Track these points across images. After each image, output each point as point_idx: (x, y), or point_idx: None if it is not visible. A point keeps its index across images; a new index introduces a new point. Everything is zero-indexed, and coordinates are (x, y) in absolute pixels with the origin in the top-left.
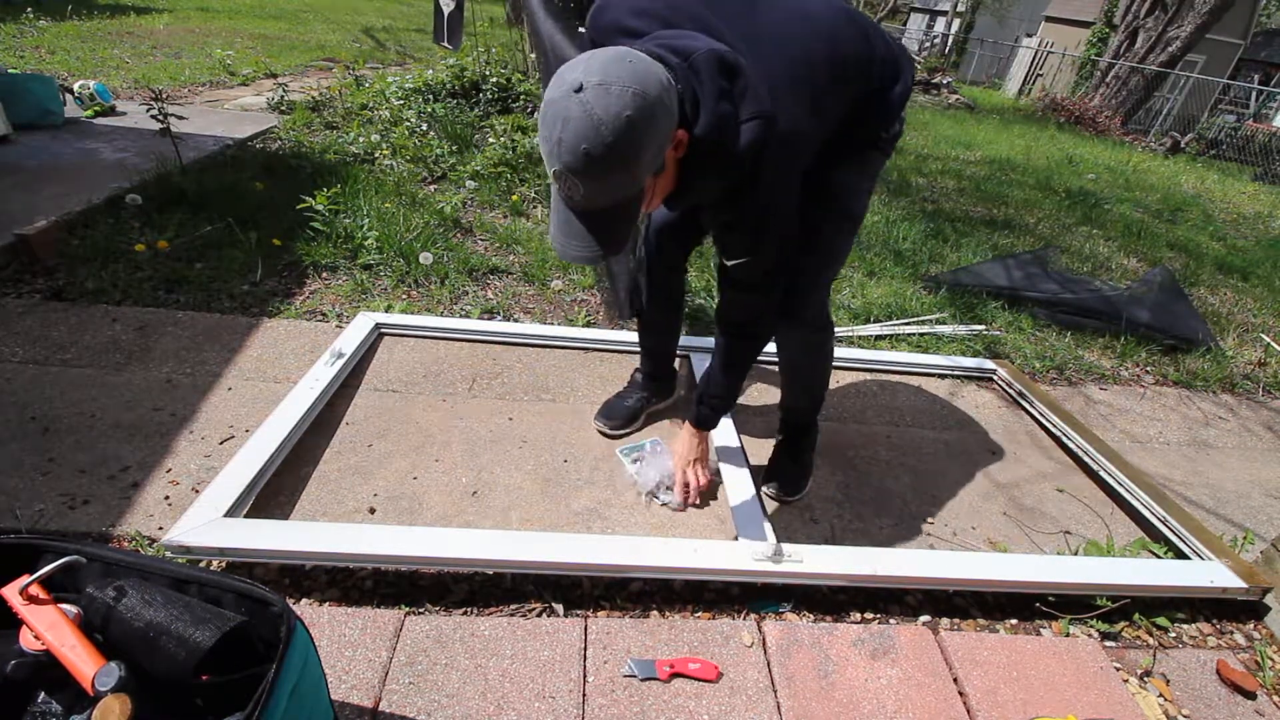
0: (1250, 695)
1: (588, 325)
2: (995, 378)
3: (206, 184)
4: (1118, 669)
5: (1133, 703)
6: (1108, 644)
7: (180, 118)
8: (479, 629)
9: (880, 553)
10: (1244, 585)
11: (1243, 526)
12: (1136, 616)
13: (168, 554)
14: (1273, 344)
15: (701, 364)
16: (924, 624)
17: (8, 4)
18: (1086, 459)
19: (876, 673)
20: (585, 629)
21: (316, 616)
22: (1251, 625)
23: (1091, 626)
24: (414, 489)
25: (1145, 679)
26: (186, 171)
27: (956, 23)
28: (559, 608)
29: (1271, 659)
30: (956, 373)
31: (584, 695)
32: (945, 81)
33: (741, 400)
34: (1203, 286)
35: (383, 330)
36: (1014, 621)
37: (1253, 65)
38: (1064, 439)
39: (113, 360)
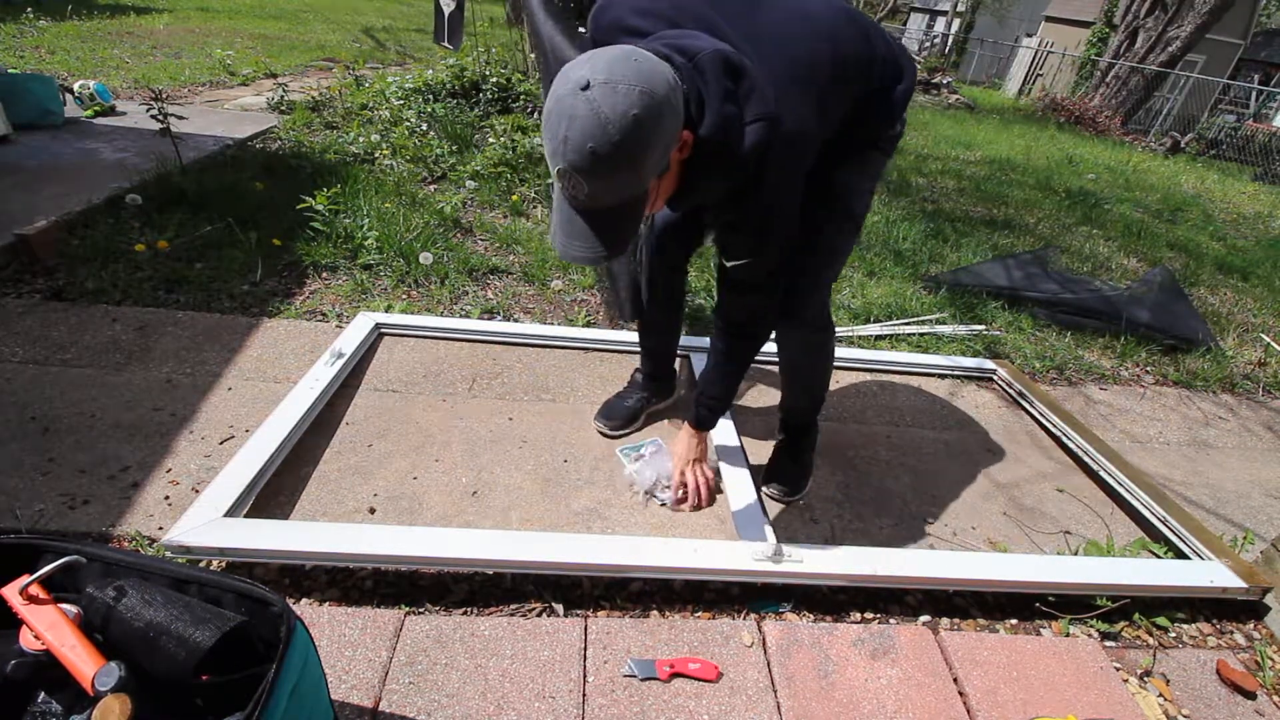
0: (1250, 695)
1: (588, 325)
2: (995, 378)
3: (206, 184)
4: (1118, 669)
5: (1133, 703)
6: (1108, 644)
7: (180, 118)
8: (479, 629)
9: (880, 553)
10: (1244, 585)
11: (1243, 526)
12: (1136, 616)
13: (168, 554)
14: (1273, 344)
15: (701, 364)
16: (924, 624)
17: (8, 4)
18: (1086, 459)
19: (876, 673)
20: (585, 629)
21: (316, 616)
22: (1251, 625)
23: (1091, 626)
24: (414, 489)
25: (1145, 679)
26: (186, 171)
27: (956, 23)
28: (559, 608)
29: (1271, 659)
30: (956, 373)
31: (584, 695)
32: (945, 81)
33: (741, 400)
34: (1203, 286)
35: (383, 330)
36: (1014, 621)
37: (1253, 65)
38: (1064, 439)
39: (113, 360)
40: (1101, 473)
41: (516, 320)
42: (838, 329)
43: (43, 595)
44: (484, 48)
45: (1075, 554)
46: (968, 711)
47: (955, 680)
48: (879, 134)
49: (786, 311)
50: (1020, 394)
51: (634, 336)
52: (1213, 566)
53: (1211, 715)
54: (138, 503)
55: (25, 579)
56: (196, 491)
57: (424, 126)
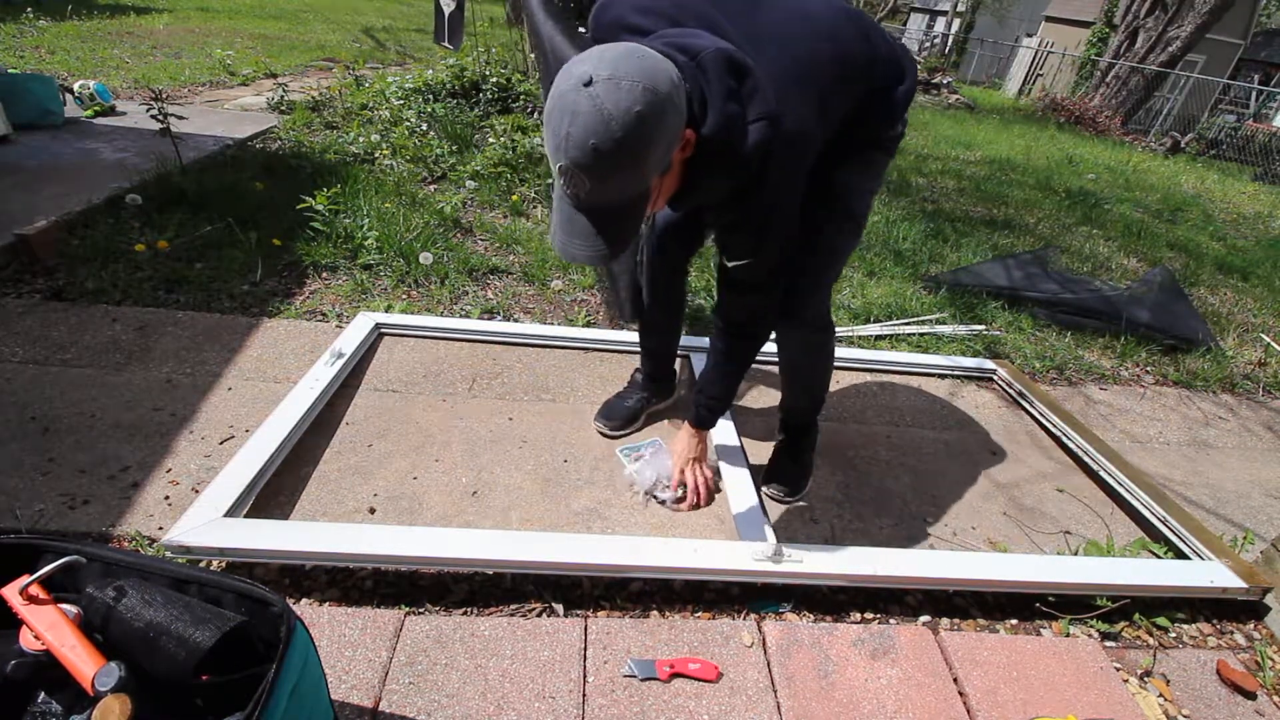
0: (1250, 695)
1: (588, 325)
2: (995, 378)
3: (206, 184)
4: (1118, 669)
5: (1133, 703)
6: (1108, 644)
7: (180, 118)
8: (479, 629)
9: (880, 553)
10: (1244, 585)
11: (1243, 526)
12: (1136, 616)
13: (168, 554)
14: (1273, 344)
15: (701, 364)
16: (924, 624)
17: (8, 4)
18: (1086, 459)
19: (876, 673)
20: (585, 629)
21: (316, 616)
22: (1251, 625)
23: (1091, 626)
24: (414, 489)
25: (1145, 679)
26: (186, 171)
27: (956, 23)
28: (559, 608)
29: (1271, 659)
30: (956, 373)
31: (584, 695)
32: (945, 81)
33: (741, 400)
34: (1203, 286)
35: (383, 330)
36: (1014, 621)
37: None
38: (1064, 439)
39: (113, 360)
40: (1101, 473)
41: (516, 320)
42: (838, 329)
43: (43, 595)
44: (484, 48)
45: (1075, 554)
46: (968, 711)
47: (955, 680)
48: (880, 134)
49: (787, 311)
50: (1020, 394)
51: (634, 336)
52: (1213, 566)
53: (1211, 715)
54: (138, 503)
55: (25, 579)
56: (196, 491)
57: (424, 126)
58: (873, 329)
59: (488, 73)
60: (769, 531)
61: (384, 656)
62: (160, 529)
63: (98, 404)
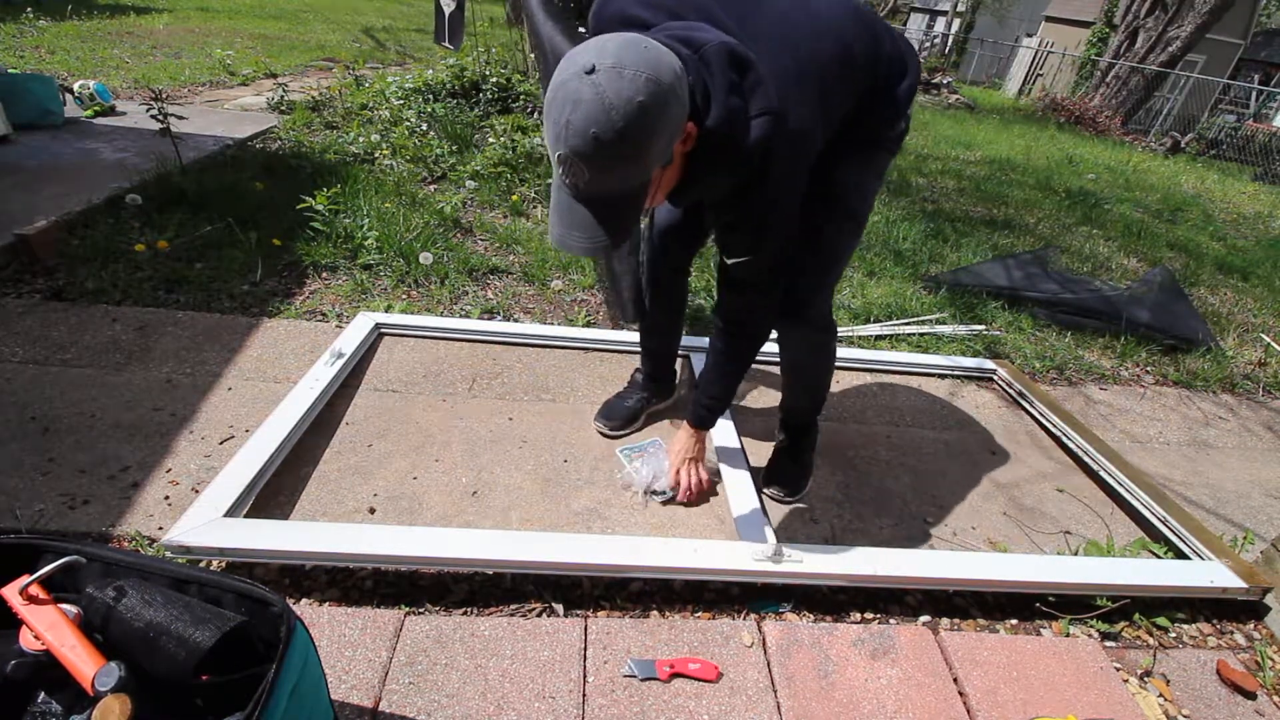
0: (1250, 695)
1: (588, 325)
2: (995, 378)
3: (206, 184)
4: (1118, 669)
5: (1133, 703)
6: (1108, 644)
7: (180, 118)
8: (479, 629)
9: (880, 553)
10: (1244, 585)
11: (1243, 526)
12: (1136, 616)
13: (168, 554)
14: (1273, 344)
15: (702, 364)
16: (924, 624)
17: (8, 4)
18: (1086, 459)
19: (876, 673)
20: (585, 629)
21: (316, 616)
22: (1252, 625)
23: (1091, 626)
24: (414, 489)
25: (1145, 679)
26: (186, 171)
27: (956, 23)
28: (559, 608)
29: (1272, 659)
30: (956, 373)
31: (584, 695)
32: (945, 81)
33: (741, 400)
34: (1203, 286)
35: (383, 330)
36: (1014, 621)
37: (1253, 65)
38: (1064, 439)
39: (113, 360)
40: (1101, 473)
41: (516, 320)
42: (838, 329)
43: (43, 595)
44: (484, 48)
45: (1075, 554)
46: (968, 711)
47: (955, 680)
48: (883, 131)
49: (789, 312)
50: (1020, 394)
51: (634, 336)
52: (1213, 566)
53: (1211, 715)
54: (138, 503)
55: (25, 579)
56: (196, 491)
57: (424, 126)
58: (873, 329)
59: (488, 73)
60: (769, 532)
61: (384, 656)
62: (160, 529)
63: (98, 404)
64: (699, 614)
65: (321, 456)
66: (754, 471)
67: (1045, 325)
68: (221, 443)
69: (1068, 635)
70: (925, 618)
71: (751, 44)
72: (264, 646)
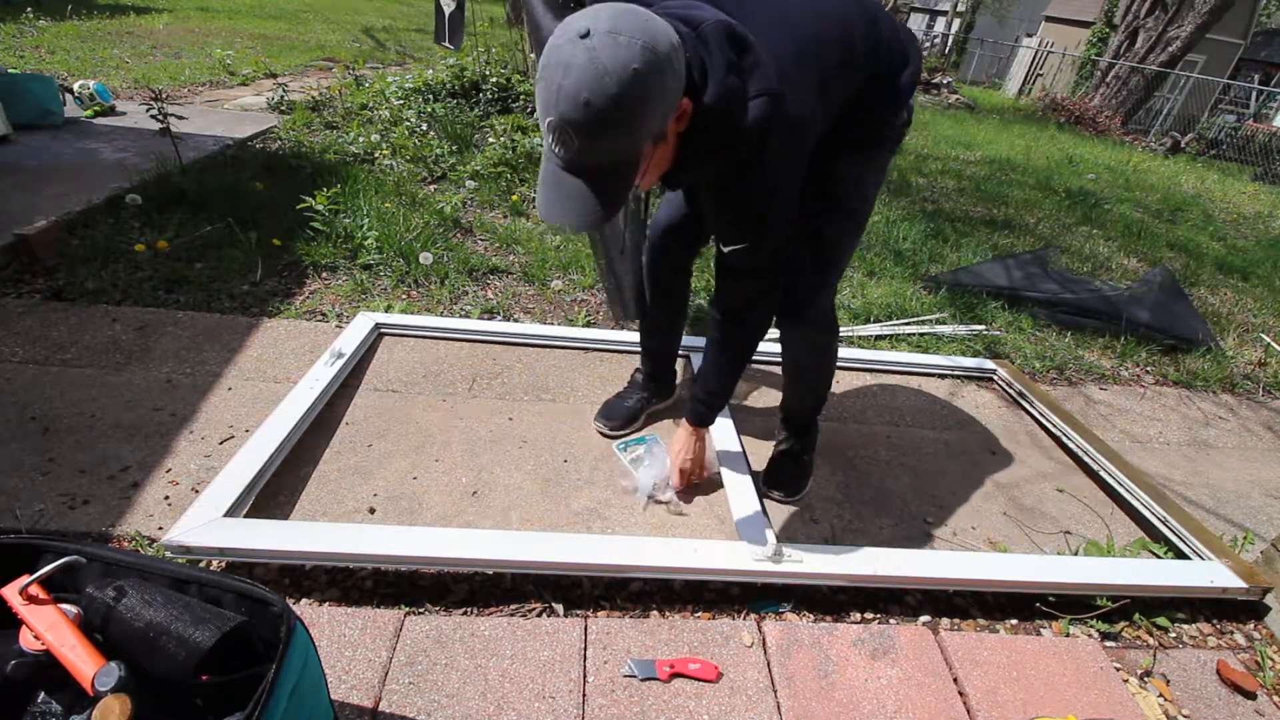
0: (1250, 695)
1: (588, 325)
2: (995, 378)
3: (206, 184)
4: (1118, 669)
5: (1133, 703)
6: (1108, 644)
7: (180, 118)
8: (479, 629)
9: (880, 553)
10: (1244, 585)
11: (1243, 526)
12: (1136, 616)
13: (168, 554)
14: (1273, 344)
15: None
16: (924, 624)
17: (8, 4)
18: (1086, 459)
19: (876, 673)
20: (585, 629)
21: (316, 616)
22: (1251, 625)
23: (1091, 626)
24: (414, 489)
25: (1145, 679)
26: (186, 171)
27: (956, 23)
28: (559, 608)
29: (1272, 659)
30: (956, 373)
31: (584, 695)
32: (945, 81)
33: (741, 400)
34: (1203, 286)
35: (383, 330)
36: (1014, 621)
37: (1253, 65)
38: (1064, 439)
39: (113, 360)
40: (1101, 473)
41: (516, 320)
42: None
43: (43, 595)
44: (484, 48)
45: (1075, 554)
46: (968, 711)
47: (955, 680)
48: (885, 124)
49: (791, 311)
50: (1020, 394)
51: (634, 336)
52: (1213, 566)
53: (1211, 715)
54: (138, 503)
55: (25, 579)
56: (196, 491)
57: (424, 126)
58: (873, 329)
59: (488, 73)
60: (769, 532)
61: (384, 656)
62: (160, 529)
63: (98, 404)
64: (699, 614)
65: (321, 456)
66: (754, 472)
67: (1045, 325)
68: (221, 443)
69: (1068, 635)
70: (925, 618)
71: (751, 25)
72: (264, 646)
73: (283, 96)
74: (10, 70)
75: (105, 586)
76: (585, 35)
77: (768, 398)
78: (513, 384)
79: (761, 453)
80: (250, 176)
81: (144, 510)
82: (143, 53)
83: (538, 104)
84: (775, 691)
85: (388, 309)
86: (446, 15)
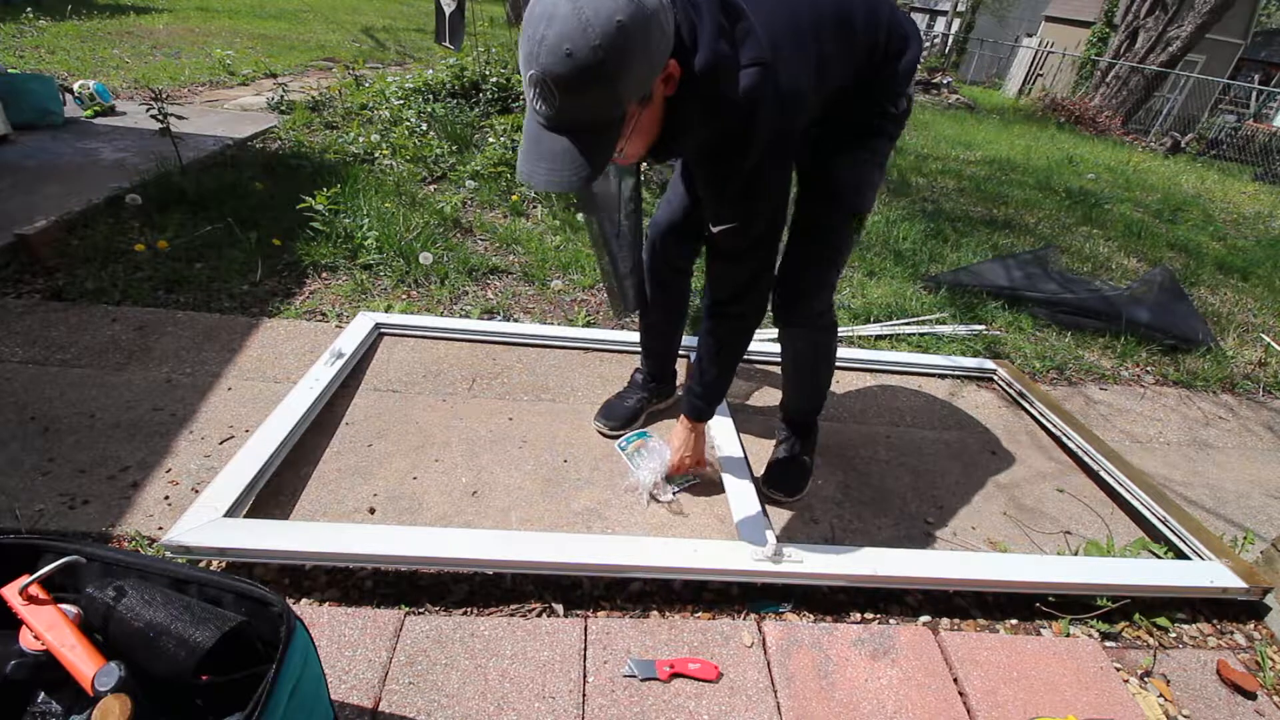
0: (1250, 695)
1: (588, 325)
2: (995, 378)
3: (206, 184)
4: (1118, 669)
5: (1133, 703)
6: (1108, 644)
7: (180, 118)
8: (479, 629)
9: (880, 553)
10: (1244, 585)
11: (1243, 526)
12: (1137, 617)
13: (168, 554)
14: (1273, 344)
15: None
16: (924, 624)
17: (8, 4)
18: (1086, 459)
19: (876, 673)
20: (585, 629)
21: (316, 616)
22: (1252, 625)
23: (1091, 627)
24: (414, 489)
25: (1145, 679)
26: (186, 171)
27: (956, 23)
28: (559, 608)
29: (1272, 659)
30: (956, 373)
31: (584, 695)
32: (945, 81)
33: (741, 400)
34: (1203, 286)
35: (383, 330)
36: (1014, 621)
37: (1253, 65)
38: (1064, 439)
39: (113, 360)
40: (1101, 473)
41: (516, 320)
42: (838, 328)
43: (43, 595)
44: (484, 48)
45: (1075, 554)
46: (968, 712)
47: (955, 680)
48: (883, 114)
49: (790, 310)
50: (1020, 394)
51: (634, 336)
52: (1213, 566)
53: (1211, 715)
54: (138, 503)
55: (25, 579)
56: (196, 491)
57: (424, 126)
58: (873, 329)
59: (488, 73)
60: (769, 532)
61: (384, 656)
62: (160, 529)
63: (97, 404)
64: (699, 614)
65: (321, 456)
66: (754, 471)
67: (1045, 325)
68: (221, 443)
69: (1068, 635)
70: (925, 618)
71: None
72: (264, 646)
73: (283, 96)
74: (10, 70)
75: (105, 586)
76: None
77: (768, 398)
78: (513, 384)
79: (761, 453)
80: (250, 176)
81: (144, 510)
82: (143, 53)
83: (520, 58)
84: (775, 691)
85: (388, 309)
86: (446, 15)
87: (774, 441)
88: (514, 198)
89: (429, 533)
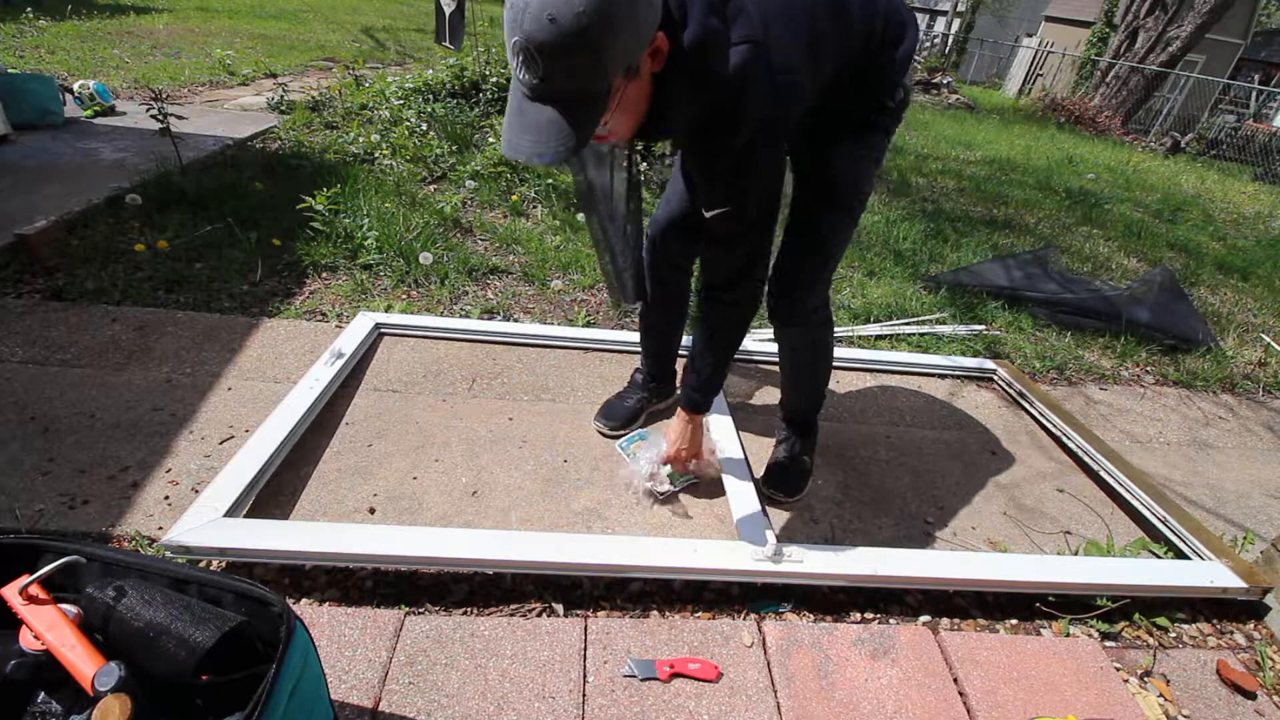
0: (1250, 695)
1: (588, 325)
2: (995, 378)
3: (206, 184)
4: (1118, 669)
5: (1133, 703)
6: (1108, 644)
7: (180, 118)
8: (479, 629)
9: (880, 553)
10: (1244, 585)
11: (1243, 526)
12: (1136, 616)
13: (168, 554)
14: (1273, 344)
15: None
16: (924, 624)
17: (8, 4)
18: (1086, 459)
19: (876, 673)
20: (585, 629)
21: (316, 616)
22: (1251, 625)
23: (1091, 626)
24: (414, 489)
25: (1145, 679)
26: (186, 171)
27: (956, 23)
28: (559, 608)
29: (1271, 659)
30: (956, 373)
31: (584, 695)
32: (945, 81)
33: (741, 400)
34: (1203, 286)
35: (383, 330)
36: (1014, 621)
37: (1253, 65)
38: (1064, 439)
39: (113, 360)
40: (1101, 473)
41: (516, 320)
42: (838, 329)
43: (43, 595)
44: (484, 48)
45: (1075, 554)
46: (968, 712)
47: (955, 680)
48: (881, 102)
49: (787, 307)
50: (1020, 394)
51: (634, 336)
52: (1213, 566)
53: (1211, 715)
54: (138, 503)
55: (25, 579)
56: (196, 491)
57: (424, 126)
58: (873, 329)
59: (488, 73)
60: (769, 532)
61: (384, 656)
62: (160, 529)
63: (97, 404)
64: (699, 614)
65: (321, 456)
66: (754, 471)
67: (1045, 325)
68: (221, 443)
69: (1068, 635)
70: (925, 618)
71: None
72: (264, 646)
73: (283, 96)
74: (10, 70)
75: (105, 586)
76: None
77: (768, 397)
78: (513, 384)
79: (761, 453)
80: (250, 176)
81: (144, 510)
82: (143, 53)
83: (505, 27)
84: (775, 691)
85: (388, 309)
86: (447, 15)
87: (774, 441)
88: (514, 198)
89: (429, 533)
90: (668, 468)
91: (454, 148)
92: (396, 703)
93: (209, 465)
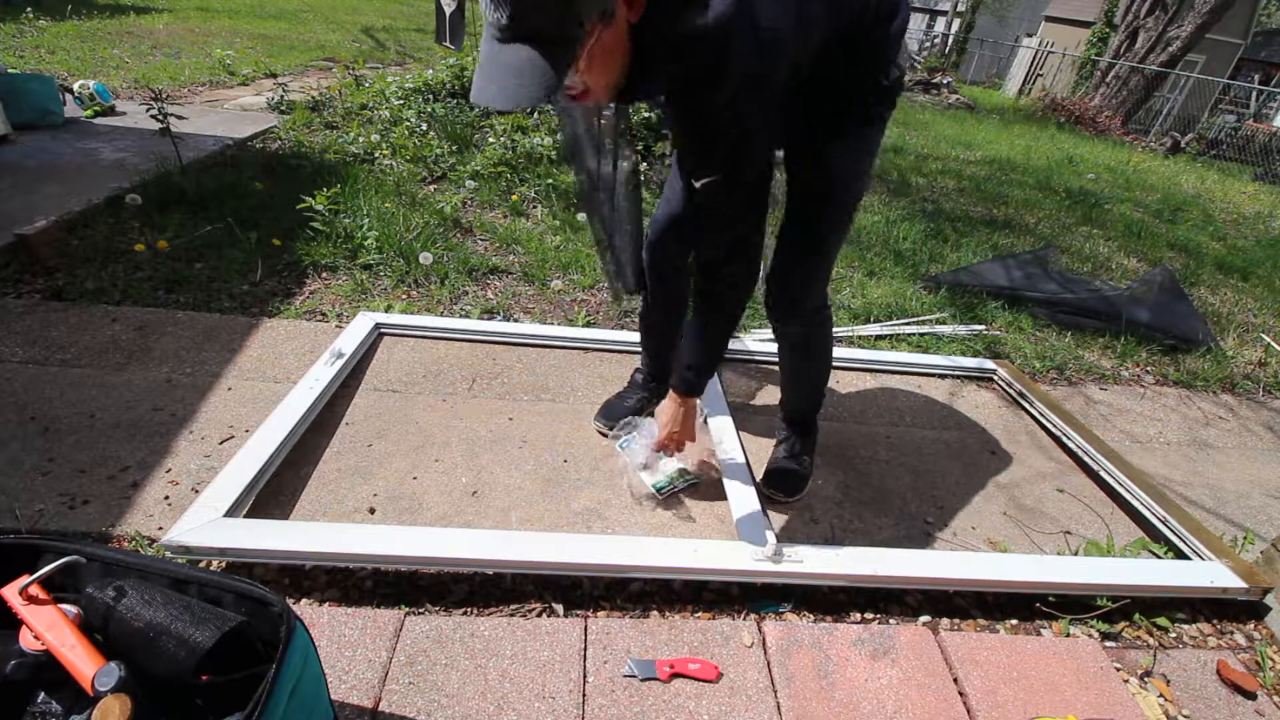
0: (1250, 695)
1: (588, 325)
2: (995, 378)
3: (206, 184)
4: (1118, 669)
5: (1133, 703)
6: (1108, 644)
7: (180, 118)
8: (479, 629)
9: (880, 553)
10: (1244, 585)
11: (1243, 526)
12: (1137, 617)
13: (168, 554)
14: (1273, 344)
15: None
16: (924, 624)
17: (8, 4)
18: (1086, 459)
19: (876, 673)
20: (585, 629)
21: (316, 616)
22: (1252, 625)
23: (1092, 627)
24: (414, 489)
25: (1145, 679)
26: (186, 171)
27: (956, 23)
28: (559, 608)
29: (1272, 659)
30: (956, 373)
31: (584, 695)
32: (945, 81)
33: (741, 400)
34: (1203, 286)
35: (383, 330)
36: (1014, 622)
37: (1253, 65)
38: (1064, 439)
39: (112, 360)
40: (1101, 473)
41: (516, 320)
42: (837, 329)
43: (43, 595)
44: None
45: (1075, 554)
46: (968, 712)
47: (955, 680)
48: (875, 80)
49: (785, 305)
50: (1020, 394)
51: (634, 336)
52: (1213, 567)
53: (1211, 715)
54: (138, 503)
55: (25, 579)
56: (196, 491)
57: (424, 126)
58: (873, 329)
59: None
60: (769, 532)
61: (384, 656)
62: (160, 529)
63: (97, 404)
64: (699, 614)
65: (321, 456)
66: (754, 472)
67: (1045, 325)
68: (221, 443)
69: (1068, 635)
70: (925, 618)
71: None
72: (264, 646)
73: (283, 96)
74: (10, 70)
75: (105, 586)
76: None
77: (768, 397)
78: (513, 384)
79: (761, 453)
80: (250, 176)
81: (144, 510)
82: (143, 53)
83: None
84: (775, 691)
85: (388, 309)
86: (447, 15)
87: (774, 441)
88: (514, 198)
89: (429, 533)
90: (672, 461)
91: (454, 148)
92: (396, 703)
93: (209, 465)
